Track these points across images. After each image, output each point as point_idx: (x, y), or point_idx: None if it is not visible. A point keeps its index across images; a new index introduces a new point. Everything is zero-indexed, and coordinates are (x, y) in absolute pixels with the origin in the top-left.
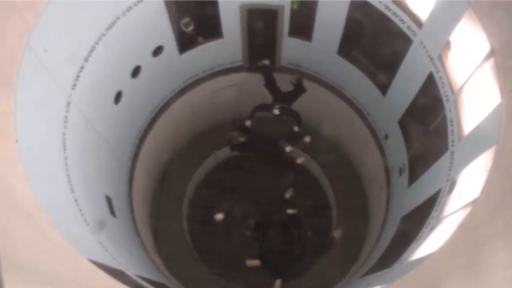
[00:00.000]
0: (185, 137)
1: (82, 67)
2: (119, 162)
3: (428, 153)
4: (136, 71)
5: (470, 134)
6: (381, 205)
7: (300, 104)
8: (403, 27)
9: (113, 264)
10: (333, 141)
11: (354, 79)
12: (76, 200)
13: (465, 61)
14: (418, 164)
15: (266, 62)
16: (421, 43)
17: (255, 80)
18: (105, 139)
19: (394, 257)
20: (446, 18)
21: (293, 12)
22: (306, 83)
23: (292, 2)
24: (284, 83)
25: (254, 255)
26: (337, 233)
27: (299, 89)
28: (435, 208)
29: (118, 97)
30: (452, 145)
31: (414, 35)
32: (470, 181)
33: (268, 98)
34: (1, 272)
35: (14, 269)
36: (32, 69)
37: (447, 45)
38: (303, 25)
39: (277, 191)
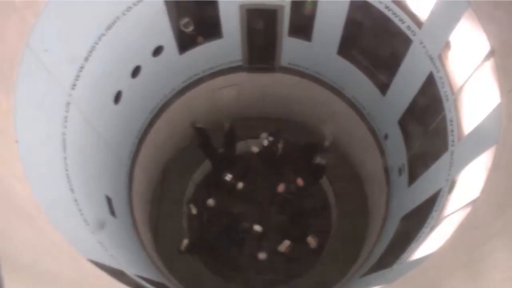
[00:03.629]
0: (185, 137)
1: (82, 67)
2: (119, 162)
3: (428, 153)
4: (136, 71)
5: (470, 134)
6: (381, 205)
7: (300, 104)
8: (403, 27)
9: (113, 264)
10: (333, 141)
11: (354, 79)
12: (76, 200)
13: (465, 61)
14: (418, 164)
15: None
16: (421, 43)
17: (255, 80)
18: (105, 139)
19: (394, 257)
20: (446, 18)
21: (293, 12)
22: (306, 83)
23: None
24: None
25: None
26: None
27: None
28: (435, 208)
29: (118, 97)
30: (452, 145)
31: (414, 35)
32: (470, 181)
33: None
34: (1, 272)
35: (14, 269)
36: (32, 69)
37: (447, 45)
38: (303, 25)
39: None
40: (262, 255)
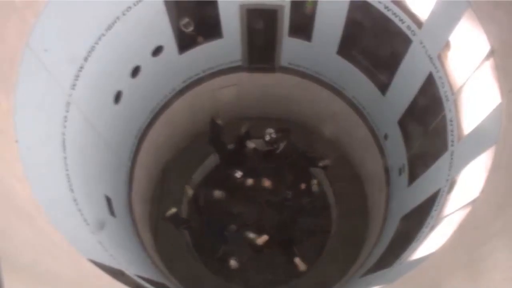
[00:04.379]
0: (185, 137)
1: (82, 67)
2: (119, 162)
3: (428, 153)
4: (136, 71)
5: (470, 134)
6: (381, 205)
7: (300, 104)
8: (403, 27)
9: (113, 264)
10: (333, 141)
11: (354, 79)
12: (75, 200)
13: (465, 61)
14: (418, 164)
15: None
16: (421, 43)
17: (255, 80)
18: (105, 139)
19: (394, 257)
20: (446, 18)
21: (293, 12)
22: (306, 83)
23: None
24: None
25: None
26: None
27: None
28: (435, 208)
29: (118, 97)
30: (452, 145)
31: (414, 35)
32: (470, 181)
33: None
34: (1, 272)
35: (14, 269)
36: (32, 69)
37: (447, 45)
38: (303, 25)
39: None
40: (233, 263)
